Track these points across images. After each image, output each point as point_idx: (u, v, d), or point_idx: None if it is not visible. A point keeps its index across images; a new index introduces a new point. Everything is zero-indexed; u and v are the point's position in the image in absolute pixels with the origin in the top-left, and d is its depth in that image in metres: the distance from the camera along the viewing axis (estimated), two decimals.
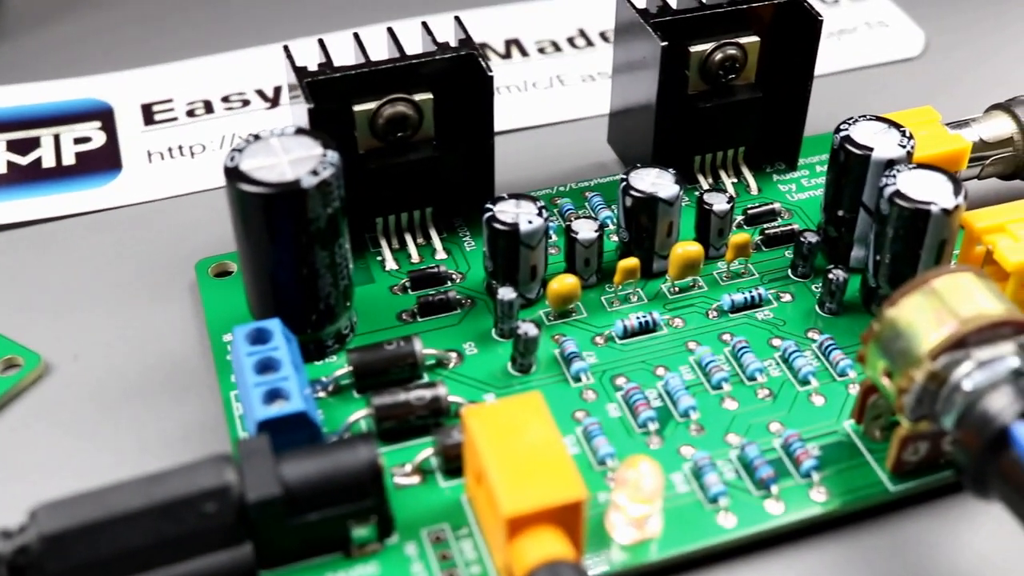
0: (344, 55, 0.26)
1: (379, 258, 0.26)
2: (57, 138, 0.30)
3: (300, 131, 0.23)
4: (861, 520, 0.21)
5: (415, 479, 0.22)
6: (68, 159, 0.29)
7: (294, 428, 0.21)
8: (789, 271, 0.26)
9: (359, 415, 0.22)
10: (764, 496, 0.21)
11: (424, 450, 0.22)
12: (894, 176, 0.24)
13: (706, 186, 0.28)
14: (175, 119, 0.30)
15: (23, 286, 0.26)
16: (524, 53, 0.33)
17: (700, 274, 0.25)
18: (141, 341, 0.25)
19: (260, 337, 0.22)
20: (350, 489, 0.20)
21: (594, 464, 0.22)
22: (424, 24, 0.25)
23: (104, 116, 0.30)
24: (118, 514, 0.19)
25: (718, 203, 0.25)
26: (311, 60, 0.25)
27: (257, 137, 0.23)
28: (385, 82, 0.24)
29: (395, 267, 0.26)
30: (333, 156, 0.22)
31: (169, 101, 0.31)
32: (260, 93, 0.31)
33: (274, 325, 0.22)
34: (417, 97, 0.25)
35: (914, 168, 0.24)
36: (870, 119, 0.25)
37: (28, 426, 0.23)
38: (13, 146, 0.29)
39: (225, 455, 0.20)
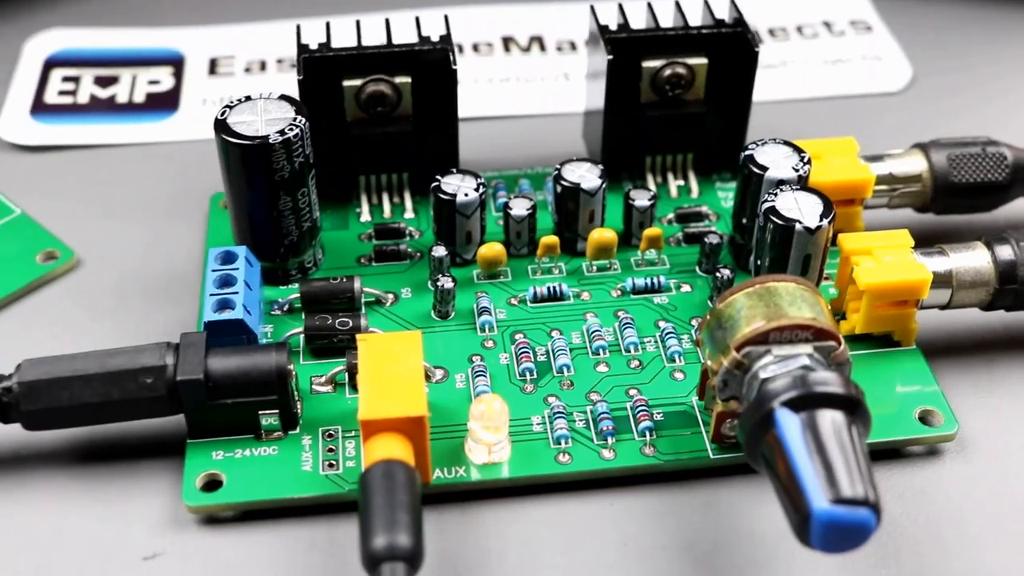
0: (368, 37, 0.31)
1: (357, 210, 0.31)
2: (134, 78, 0.36)
3: (282, 97, 0.28)
4: (682, 479, 0.25)
5: (328, 388, 0.27)
6: (139, 97, 0.35)
7: (234, 332, 0.26)
8: (696, 267, 0.30)
9: (295, 332, 0.27)
10: (602, 446, 0.25)
11: (338, 367, 0.27)
12: (775, 195, 0.27)
13: (652, 185, 0.32)
14: (233, 73, 0.36)
15: (75, 194, 0.32)
16: (525, 50, 0.37)
17: (615, 257, 0.29)
18: (156, 252, 0.31)
19: (227, 259, 0.28)
20: (260, 384, 0.25)
21: (473, 398, 0.26)
22: (416, 19, 0.30)
23: (176, 64, 0.36)
24: (79, 374, 0.25)
25: (640, 199, 0.29)
26: (343, 39, 0.30)
27: (248, 98, 0.28)
28: (371, 64, 0.29)
29: (368, 219, 0.31)
30: (301, 121, 0.27)
31: (232, 58, 0.37)
32: None
33: (240, 251, 0.28)
34: (397, 80, 0.30)
35: (798, 189, 0.27)
36: (780, 142, 0.29)
37: (54, 307, 0.29)
38: (98, 81, 0.35)
39: (168, 343, 0.25)
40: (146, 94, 0.35)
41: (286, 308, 0.28)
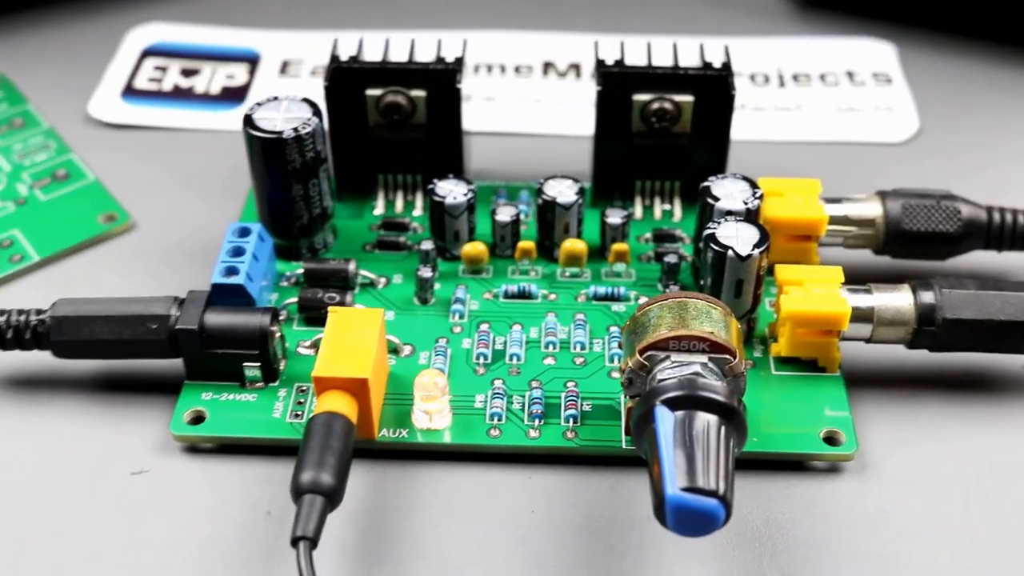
0: (396, 53, 0.35)
1: (373, 203, 0.35)
2: (214, 72, 0.41)
3: (304, 100, 0.32)
4: (594, 464, 0.29)
5: (311, 351, 0.31)
6: (215, 89, 0.40)
7: (236, 295, 0.31)
8: (658, 283, 0.33)
9: (290, 301, 0.32)
10: (529, 426, 0.29)
11: (320, 334, 0.31)
12: (718, 223, 0.30)
13: (639, 206, 0.35)
14: (299, 75, 0.41)
15: (143, 168, 0.37)
16: (562, 75, 0.41)
17: (587, 266, 0.33)
18: (199, 223, 0.35)
19: (243, 232, 0.32)
20: (246, 340, 0.29)
21: None
22: (439, 41, 0.34)
23: (253, 62, 0.41)
24: (100, 314, 0.30)
25: (613, 217, 0.33)
26: (375, 53, 0.34)
27: (276, 98, 0.32)
28: (392, 77, 0.33)
29: (381, 212, 0.35)
30: (314, 121, 0.31)
31: (301, 61, 0.41)
32: None
33: (254, 227, 0.32)
34: (413, 93, 0.34)
35: (740, 220, 0.30)
36: (739, 177, 0.32)
37: (105, 261, 0.34)
38: (183, 72, 0.41)
39: (177, 297, 0.30)
40: (221, 87, 0.40)
41: (293, 281, 0.33)
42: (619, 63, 0.33)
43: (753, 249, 0.30)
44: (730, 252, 0.30)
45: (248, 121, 0.31)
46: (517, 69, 0.41)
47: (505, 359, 0.31)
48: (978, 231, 0.32)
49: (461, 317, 0.32)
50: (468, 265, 0.33)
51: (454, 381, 0.30)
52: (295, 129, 0.31)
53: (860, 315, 0.30)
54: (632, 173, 0.35)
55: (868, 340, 0.30)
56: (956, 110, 0.40)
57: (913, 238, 0.32)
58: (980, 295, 0.30)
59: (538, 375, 0.30)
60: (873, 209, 0.32)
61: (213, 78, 0.40)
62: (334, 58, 0.34)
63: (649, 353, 0.27)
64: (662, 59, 0.34)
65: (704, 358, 0.27)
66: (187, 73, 0.41)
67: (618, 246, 0.33)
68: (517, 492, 0.28)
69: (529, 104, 0.40)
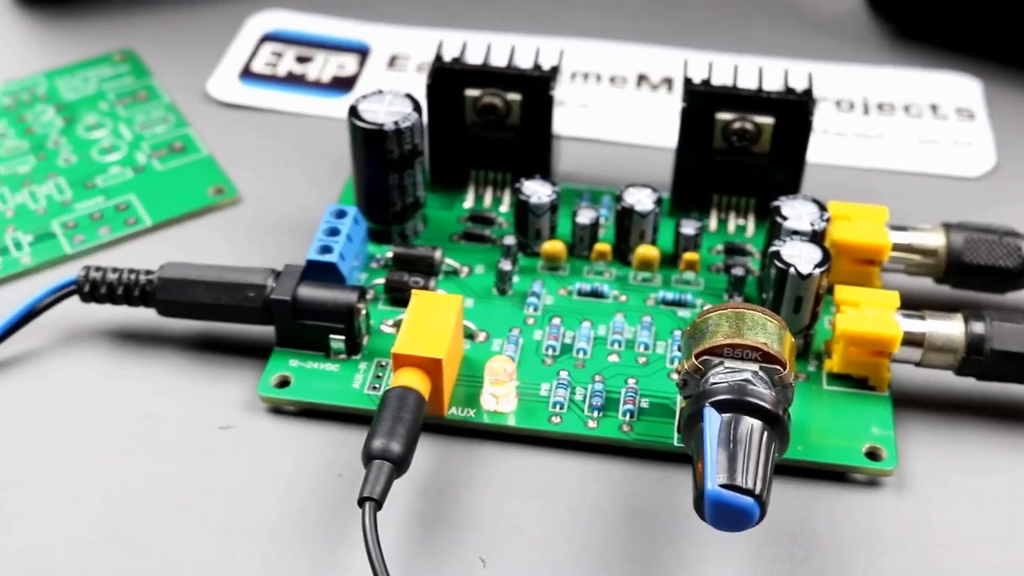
0: (497, 57, 0.37)
1: (464, 196, 0.37)
2: (326, 60, 0.43)
3: (406, 95, 0.34)
4: (647, 457, 0.31)
5: (392, 330, 0.33)
6: (325, 77, 0.43)
7: (328, 272, 0.33)
8: (724, 293, 0.34)
9: (378, 281, 0.34)
10: (589, 417, 0.31)
11: (402, 315, 0.33)
12: (784, 242, 0.32)
13: (715, 220, 0.36)
14: (406, 69, 0.43)
15: (252, 145, 0.40)
16: (654, 87, 0.43)
17: (658, 272, 0.35)
18: (302, 202, 0.38)
19: (340, 214, 0.34)
20: (333, 314, 0.32)
21: None
22: (537, 49, 0.36)
23: (363, 53, 0.44)
24: (202, 279, 0.32)
25: (687, 228, 0.35)
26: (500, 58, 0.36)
27: (381, 92, 0.35)
28: (490, 80, 0.36)
29: (471, 205, 0.37)
30: (414, 116, 0.34)
31: (408, 57, 0.44)
32: None
33: (350, 210, 0.34)
34: (508, 96, 0.36)
35: (806, 240, 0.32)
36: (809, 199, 0.33)
37: (212, 230, 0.37)
38: (298, 58, 0.43)
39: (274, 270, 0.32)
40: (332, 76, 0.43)
41: (382, 263, 0.35)
42: (705, 83, 0.35)
43: (814, 269, 0.31)
44: (792, 270, 0.31)
45: (353, 112, 0.34)
46: (612, 79, 0.43)
47: (572, 352, 0.33)
48: None
49: (535, 310, 0.34)
50: (547, 262, 0.35)
51: (523, 369, 0.32)
52: (396, 123, 0.33)
53: (911, 339, 0.31)
54: (710, 187, 0.36)
55: (918, 364, 0.32)
56: None
57: (973, 271, 0.34)
58: None
59: (601, 370, 0.32)
60: (936, 240, 0.34)
61: (325, 67, 0.43)
62: (438, 58, 0.36)
63: (704, 358, 0.29)
64: (748, 81, 0.36)
65: (755, 367, 0.29)
66: (301, 60, 0.43)
67: (689, 255, 0.34)
68: (571, 477, 0.30)
69: (621, 113, 0.42)
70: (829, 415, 0.31)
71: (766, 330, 0.29)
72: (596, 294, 0.34)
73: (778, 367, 0.29)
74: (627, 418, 0.31)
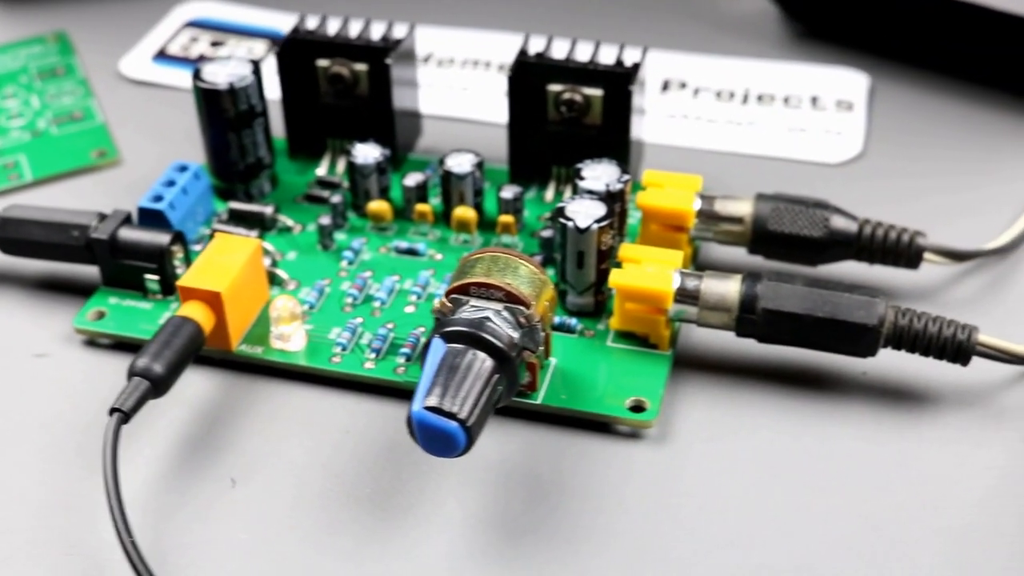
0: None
1: (319, 163, 0.39)
2: (237, 45, 0.46)
3: (250, 61, 0.36)
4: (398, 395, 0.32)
5: None
6: None
7: (156, 220, 0.35)
8: (535, 256, 0.35)
9: (207, 232, 0.36)
10: (367, 359, 0.32)
11: None
12: (572, 199, 0.32)
13: (551, 191, 0.37)
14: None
15: (146, 116, 0.42)
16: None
17: (478, 234, 0.36)
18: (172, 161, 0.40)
19: (182, 168, 0.36)
20: (146, 254, 0.34)
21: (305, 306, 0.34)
22: (390, 22, 0.38)
23: (275, 40, 0.46)
24: (35, 219, 0.34)
25: (506, 193, 0.35)
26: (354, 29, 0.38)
27: (229, 58, 0.37)
28: (338, 51, 0.37)
29: (322, 173, 0.39)
30: (250, 79, 0.36)
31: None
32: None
33: (192, 166, 0.36)
34: (355, 66, 0.37)
35: (594, 199, 0.32)
36: (614, 163, 0.34)
37: (87, 187, 0.39)
38: (212, 43, 0.46)
39: (102, 213, 0.34)
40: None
41: (224, 218, 0.37)
42: (538, 55, 0.36)
43: (592, 224, 0.32)
44: (571, 224, 0.32)
45: (196, 74, 0.36)
46: (501, 67, 0.45)
47: (372, 302, 0.34)
48: (846, 241, 0.33)
49: (350, 264, 0.35)
50: (373, 221, 0.36)
51: (321, 315, 0.33)
52: (231, 84, 0.36)
53: (686, 296, 0.31)
54: (548, 159, 0.37)
55: (697, 323, 0.32)
56: (905, 139, 0.41)
57: (779, 239, 0.34)
58: (803, 290, 0.31)
59: (396, 319, 0.33)
60: (743, 208, 0.34)
61: (235, 51, 0.45)
62: (294, 30, 0.38)
63: (454, 296, 0.30)
64: (585, 56, 0.37)
65: (500, 306, 0.29)
66: (215, 44, 0.46)
67: (504, 218, 0.35)
68: (341, 414, 0.31)
69: (502, 97, 0.43)
70: (607, 370, 0.32)
71: (517, 273, 0.30)
72: (412, 252, 0.35)
73: (522, 307, 0.29)
74: (403, 360, 0.32)
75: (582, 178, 0.33)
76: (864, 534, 0.28)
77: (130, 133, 0.42)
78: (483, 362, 0.28)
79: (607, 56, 0.36)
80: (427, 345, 0.29)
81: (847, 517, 0.29)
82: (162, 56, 0.45)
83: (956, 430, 0.31)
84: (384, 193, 0.37)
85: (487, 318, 0.29)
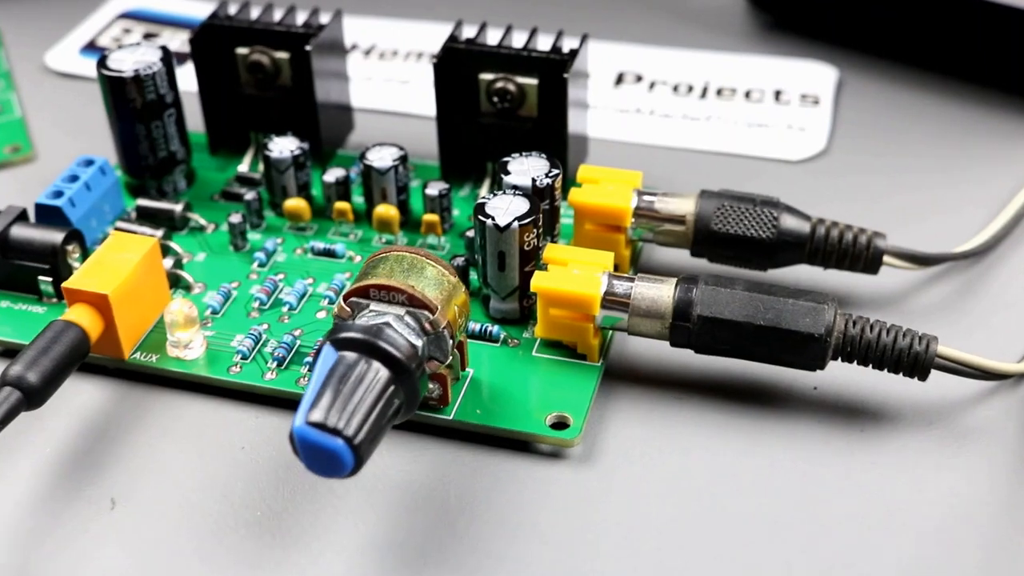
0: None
1: (242, 159, 0.36)
2: (171, 37, 0.43)
3: (160, 47, 0.34)
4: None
5: None
6: None
7: (55, 216, 0.32)
8: (460, 257, 0.32)
9: (110, 230, 0.33)
10: (268, 369, 0.29)
11: None
12: (494, 195, 0.30)
13: (485, 186, 0.35)
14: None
15: (67, 110, 0.40)
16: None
17: (402, 234, 0.33)
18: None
19: (87, 163, 0.34)
20: (39, 254, 0.31)
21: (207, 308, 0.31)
22: (316, 8, 0.35)
23: None
24: None
25: (431, 190, 0.33)
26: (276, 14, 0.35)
27: (138, 44, 0.34)
28: (257, 37, 0.35)
29: (244, 169, 0.36)
30: (158, 66, 0.33)
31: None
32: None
33: (98, 160, 0.34)
34: (276, 54, 0.35)
35: (519, 195, 0.30)
36: (543, 157, 0.31)
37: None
38: (146, 35, 0.43)
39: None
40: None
41: (133, 216, 0.34)
42: (468, 41, 0.34)
43: (514, 221, 0.29)
44: (489, 222, 0.29)
45: (101, 62, 0.34)
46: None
47: (281, 306, 0.31)
48: (797, 242, 0.31)
49: (261, 266, 0.32)
50: (290, 220, 0.34)
51: (225, 321, 0.31)
52: (136, 71, 0.33)
53: (615, 301, 0.29)
54: (482, 154, 0.35)
55: (628, 331, 0.29)
56: (873, 136, 0.38)
57: (723, 241, 0.31)
58: (743, 296, 0.28)
59: (305, 325, 0.31)
60: (686, 206, 0.31)
61: (168, 43, 0.43)
62: (212, 15, 0.35)
63: (353, 299, 0.27)
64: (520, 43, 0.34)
65: (402, 311, 0.27)
66: (148, 36, 0.43)
67: (429, 217, 0.33)
68: (238, 428, 0.29)
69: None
70: (530, 383, 0.29)
71: (422, 274, 0.27)
72: (329, 253, 0.33)
73: (426, 312, 0.27)
74: (306, 371, 0.29)
75: (507, 172, 0.31)
76: (810, 567, 0.26)
77: (49, 127, 0.39)
78: (376, 373, 0.25)
79: (545, 44, 0.34)
80: (319, 350, 0.26)
81: (790, 548, 0.26)
82: (91, 48, 0.43)
83: (914, 452, 0.28)
84: (304, 190, 0.34)
85: (386, 324, 0.26)
